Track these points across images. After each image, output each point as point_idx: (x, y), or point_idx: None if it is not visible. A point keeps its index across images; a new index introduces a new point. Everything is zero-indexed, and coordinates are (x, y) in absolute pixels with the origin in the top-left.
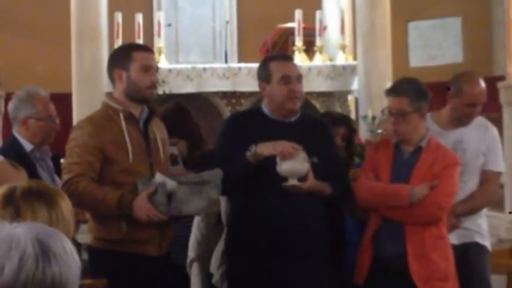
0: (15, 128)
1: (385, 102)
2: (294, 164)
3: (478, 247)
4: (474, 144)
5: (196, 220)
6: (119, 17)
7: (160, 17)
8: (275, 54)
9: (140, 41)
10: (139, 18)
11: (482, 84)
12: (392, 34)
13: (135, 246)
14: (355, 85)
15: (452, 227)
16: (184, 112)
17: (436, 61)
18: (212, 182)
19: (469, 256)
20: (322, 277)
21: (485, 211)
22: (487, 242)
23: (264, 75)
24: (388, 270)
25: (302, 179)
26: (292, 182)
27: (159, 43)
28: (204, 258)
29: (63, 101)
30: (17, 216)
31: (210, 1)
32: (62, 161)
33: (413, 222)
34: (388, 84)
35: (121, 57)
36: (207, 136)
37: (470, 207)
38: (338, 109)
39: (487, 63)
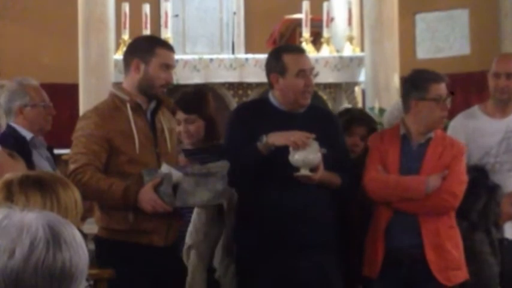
0: (11, 118)
1: (392, 94)
2: (307, 154)
3: None
4: None
5: (196, 209)
6: (126, 7)
7: (167, 7)
8: (288, 45)
9: (147, 31)
10: (146, 8)
11: (510, 57)
12: (399, 26)
13: (141, 237)
14: (362, 77)
15: (509, 217)
16: (205, 95)
17: (443, 53)
18: (218, 173)
19: None
20: (330, 268)
21: None
22: None
23: (278, 68)
24: (401, 262)
25: (313, 169)
26: (305, 172)
27: (166, 34)
28: (200, 247)
29: (69, 92)
30: (9, 201)
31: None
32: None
33: (428, 212)
34: (396, 76)
35: (143, 49)
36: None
37: None
38: (345, 101)
39: (494, 56)
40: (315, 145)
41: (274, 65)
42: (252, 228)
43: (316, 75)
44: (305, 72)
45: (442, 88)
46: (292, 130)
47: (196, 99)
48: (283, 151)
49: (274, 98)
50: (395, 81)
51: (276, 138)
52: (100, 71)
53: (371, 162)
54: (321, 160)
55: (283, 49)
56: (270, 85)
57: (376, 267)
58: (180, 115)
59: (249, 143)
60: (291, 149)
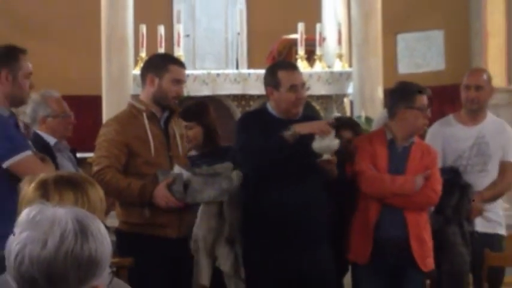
0: (36, 127)
1: (376, 104)
2: (330, 141)
3: (502, 238)
4: (495, 138)
5: (202, 205)
6: (143, 28)
7: (179, 29)
8: (282, 62)
9: (162, 49)
10: (161, 30)
11: (478, 72)
12: (383, 45)
13: (156, 230)
14: (350, 89)
15: (478, 213)
16: (205, 106)
17: (421, 69)
18: (223, 173)
19: (494, 247)
20: (327, 261)
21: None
22: (504, 231)
23: (272, 82)
24: (389, 250)
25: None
26: (327, 156)
27: (178, 52)
28: (206, 239)
29: (94, 103)
30: (45, 198)
31: (223, 15)
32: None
33: (414, 207)
34: (380, 89)
35: (158, 65)
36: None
37: (494, 193)
38: (335, 110)
39: (465, 71)
40: (333, 133)
41: (270, 80)
42: (260, 226)
43: (308, 89)
44: (296, 87)
45: (425, 99)
46: (298, 130)
47: (196, 108)
48: (302, 144)
49: (271, 107)
50: (379, 93)
51: (301, 128)
52: (120, 85)
53: (363, 161)
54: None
55: (278, 66)
56: (267, 96)
57: (366, 256)
58: (182, 122)
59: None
60: (317, 136)
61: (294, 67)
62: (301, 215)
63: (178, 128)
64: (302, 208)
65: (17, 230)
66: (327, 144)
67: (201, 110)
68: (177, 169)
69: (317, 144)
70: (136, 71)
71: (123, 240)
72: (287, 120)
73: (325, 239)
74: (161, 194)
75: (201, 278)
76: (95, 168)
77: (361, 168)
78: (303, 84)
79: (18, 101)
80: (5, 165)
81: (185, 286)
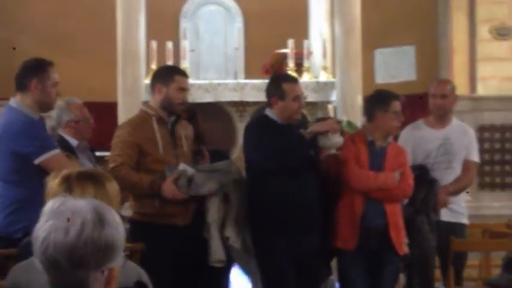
0: (60, 130)
1: (356, 110)
2: (338, 138)
3: (464, 226)
4: (459, 139)
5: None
6: (154, 44)
7: (185, 44)
8: (285, 75)
9: (170, 62)
10: (169, 45)
11: (444, 83)
12: (362, 58)
13: (165, 219)
14: (334, 97)
15: (444, 204)
16: (194, 112)
17: (395, 79)
18: (222, 170)
19: (458, 234)
20: (316, 247)
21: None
22: (466, 220)
23: (278, 93)
24: (372, 237)
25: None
26: (333, 151)
27: (185, 64)
28: (216, 222)
29: (110, 108)
30: (68, 192)
31: (223, 32)
32: (99, 154)
33: (393, 200)
34: (359, 97)
35: (165, 76)
36: (220, 135)
37: (458, 187)
38: (320, 116)
39: (434, 82)
40: (337, 134)
41: (275, 91)
42: (268, 212)
43: (305, 98)
44: (299, 97)
45: (399, 105)
46: (290, 137)
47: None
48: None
49: (273, 114)
50: (359, 100)
51: (317, 127)
52: (134, 93)
53: (350, 159)
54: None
55: (282, 79)
56: (270, 105)
57: (354, 243)
58: (187, 125)
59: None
60: (329, 133)
61: (296, 80)
62: (307, 205)
63: (184, 130)
64: (307, 199)
65: (42, 218)
66: (336, 140)
67: (191, 115)
68: (182, 166)
69: (327, 141)
70: (148, 81)
71: (136, 228)
72: (288, 125)
73: (318, 227)
74: (168, 188)
75: (218, 254)
76: (111, 165)
77: (348, 167)
78: (303, 94)
79: (46, 106)
80: (37, 161)
81: (189, 268)
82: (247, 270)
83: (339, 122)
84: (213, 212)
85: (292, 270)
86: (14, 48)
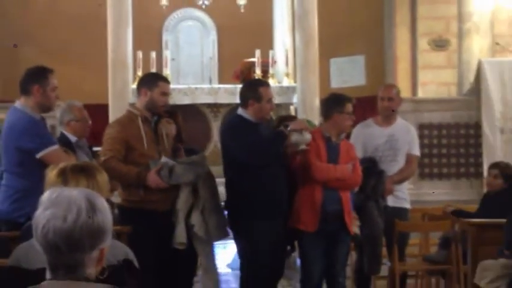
0: (62, 128)
1: (314, 111)
2: (308, 134)
3: (407, 211)
4: (403, 136)
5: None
6: (139, 54)
7: (167, 54)
8: (259, 80)
9: (154, 70)
10: (153, 55)
11: (390, 87)
12: (319, 66)
13: (148, 205)
14: (295, 99)
15: (389, 192)
16: (174, 113)
17: (348, 84)
18: (199, 162)
19: (400, 218)
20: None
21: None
22: (409, 205)
23: (255, 96)
24: (329, 220)
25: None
26: (303, 147)
27: (166, 71)
28: (183, 210)
29: (103, 109)
30: (64, 183)
31: (199, 43)
32: (95, 149)
33: (346, 188)
34: (317, 100)
35: (150, 82)
36: (197, 133)
37: (402, 177)
38: (284, 113)
39: (381, 86)
40: (306, 133)
41: (252, 94)
42: (246, 201)
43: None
44: (271, 99)
45: (351, 106)
46: (262, 133)
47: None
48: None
49: (247, 114)
50: (317, 102)
51: (295, 125)
52: (122, 96)
53: (311, 155)
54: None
55: (258, 83)
56: (245, 106)
57: (314, 225)
58: (168, 124)
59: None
60: (303, 131)
61: (269, 84)
62: (281, 193)
63: (165, 128)
64: (282, 188)
65: (41, 207)
66: (307, 137)
67: (171, 116)
68: (164, 159)
69: (301, 137)
70: (134, 86)
71: (124, 213)
72: (260, 123)
73: (286, 212)
74: (152, 178)
75: (180, 237)
76: (102, 159)
77: (311, 161)
78: (273, 97)
79: (46, 108)
80: (38, 156)
81: (168, 245)
82: (203, 255)
83: (309, 123)
84: (182, 201)
85: (267, 249)
86: (15, 46)
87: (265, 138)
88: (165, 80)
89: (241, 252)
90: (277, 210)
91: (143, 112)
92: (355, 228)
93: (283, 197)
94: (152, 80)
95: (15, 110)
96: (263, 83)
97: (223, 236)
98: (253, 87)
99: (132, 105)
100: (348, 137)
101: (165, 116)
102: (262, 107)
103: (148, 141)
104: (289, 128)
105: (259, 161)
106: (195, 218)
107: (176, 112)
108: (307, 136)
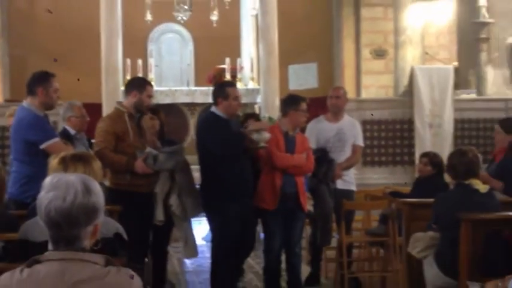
0: (64, 123)
1: (275, 109)
2: (267, 134)
3: (353, 192)
4: (349, 130)
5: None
6: (128, 61)
7: (151, 61)
8: (227, 82)
9: (140, 75)
10: (139, 62)
11: (338, 88)
12: (279, 72)
13: (134, 188)
14: (259, 99)
15: (338, 176)
16: (157, 111)
17: (303, 86)
18: (178, 152)
19: (347, 198)
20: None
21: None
22: (354, 187)
23: (223, 95)
24: (287, 200)
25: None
26: (262, 145)
27: (151, 76)
28: (161, 193)
29: (97, 108)
30: (64, 170)
31: (179, 53)
32: (92, 140)
33: (301, 174)
34: (277, 99)
35: (140, 85)
36: (177, 127)
37: (349, 165)
38: (266, 114)
39: (330, 88)
40: (265, 132)
41: (221, 93)
42: (220, 185)
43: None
44: (238, 97)
45: (305, 105)
46: (232, 128)
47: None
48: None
49: (219, 111)
50: (277, 102)
51: (254, 126)
52: (113, 96)
53: (272, 146)
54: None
55: (226, 84)
56: (216, 104)
57: (274, 204)
58: (149, 120)
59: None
60: (262, 131)
61: (235, 85)
62: (248, 179)
63: (146, 123)
64: (248, 175)
65: (43, 190)
66: (265, 136)
67: (154, 113)
68: (148, 149)
69: (260, 136)
70: (123, 88)
71: (113, 194)
72: (230, 119)
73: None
74: (140, 165)
75: (159, 216)
76: (96, 149)
77: (272, 151)
78: (240, 96)
79: (49, 107)
80: (42, 146)
81: (150, 222)
82: (181, 230)
83: (270, 119)
84: (161, 185)
85: (236, 226)
86: (55, 60)
87: (230, 135)
88: (151, 85)
89: (213, 228)
90: (245, 193)
91: (129, 109)
92: (309, 207)
93: (249, 182)
94: (142, 84)
95: (22, 108)
96: (230, 83)
97: (197, 214)
98: (222, 88)
99: (119, 103)
100: (303, 131)
101: (150, 114)
102: (229, 104)
103: (133, 134)
104: (248, 129)
105: (229, 153)
106: (173, 200)
107: (159, 110)
108: (266, 135)
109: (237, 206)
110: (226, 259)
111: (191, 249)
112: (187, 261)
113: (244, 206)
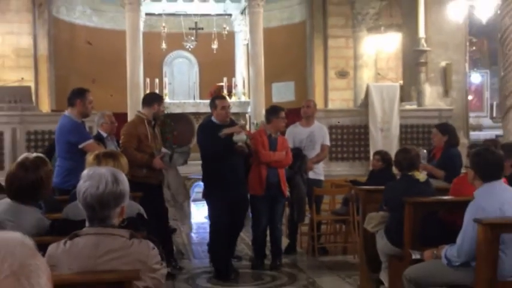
0: (98, 128)
1: (262, 117)
2: (242, 135)
3: (322, 181)
4: (318, 133)
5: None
6: (148, 80)
7: (166, 80)
8: (218, 95)
9: (157, 91)
10: (156, 81)
11: (310, 100)
12: (265, 88)
13: (147, 179)
14: (249, 109)
15: (310, 169)
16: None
17: (283, 99)
18: (186, 152)
19: (317, 186)
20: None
21: (322, 164)
22: (323, 177)
23: (213, 106)
24: (271, 188)
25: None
26: (240, 144)
27: (165, 91)
28: (172, 184)
29: (123, 116)
30: (98, 164)
31: (187, 73)
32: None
33: (282, 167)
34: (263, 110)
35: (160, 99)
36: (185, 131)
37: (318, 160)
38: (242, 120)
39: (304, 100)
40: (243, 131)
41: (212, 104)
42: (218, 178)
43: (230, 108)
44: (225, 107)
45: (284, 113)
46: (225, 132)
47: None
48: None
49: (214, 119)
50: (263, 111)
51: (226, 131)
52: (137, 108)
53: (260, 146)
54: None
55: (216, 97)
56: (211, 113)
57: (261, 191)
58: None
59: (214, 138)
60: (235, 134)
61: (223, 97)
62: (238, 173)
63: (159, 129)
64: (239, 169)
65: (82, 179)
66: (240, 137)
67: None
68: (164, 150)
69: (237, 138)
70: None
71: (134, 184)
72: (222, 125)
73: (245, 183)
74: (158, 162)
75: (180, 198)
76: (122, 148)
77: (258, 150)
78: (228, 106)
79: (85, 115)
80: (80, 146)
81: (161, 207)
82: (180, 214)
83: (257, 124)
84: (173, 176)
85: (229, 213)
86: (93, 81)
87: (216, 139)
88: (163, 99)
89: (210, 212)
90: (235, 184)
91: (148, 117)
92: (287, 192)
93: (240, 175)
94: (161, 99)
95: (64, 116)
96: (219, 97)
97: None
98: (213, 100)
99: (139, 111)
100: (283, 133)
101: (159, 122)
102: (218, 113)
103: (150, 137)
104: (221, 133)
105: (212, 153)
106: (180, 190)
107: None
108: (241, 137)
109: (228, 195)
110: (219, 235)
111: (188, 226)
112: (193, 236)
113: (234, 195)
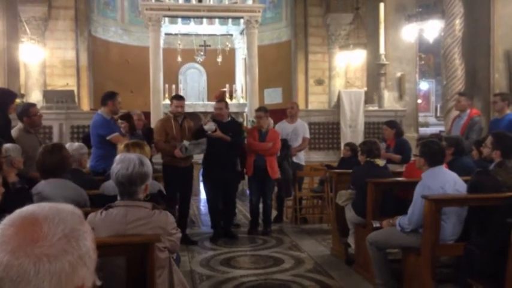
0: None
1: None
2: (211, 125)
3: (303, 166)
4: (300, 128)
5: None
6: (166, 86)
7: (181, 86)
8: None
9: (174, 94)
10: (173, 86)
11: (294, 102)
12: (258, 93)
13: (175, 163)
14: (246, 109)
15: (294, 155)
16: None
17: (273, 102)
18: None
19: (299, 169)
20: (236, 174)
21: (303, 152)
22: (304, 163)
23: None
24: (259, 170)
25: (213, 132)
26: (209, 132)
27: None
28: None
29: (147, 115)
30: (127, 151)
31: (197, 81)
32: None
33: (271, 154)
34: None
35: (176, 98)
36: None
37: (300, 149)
38: (240, 118)
39: (289, 103)
40: (211, 122)
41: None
42: (210, 161)
43: (228, 109)
44: (218, 108)
45: (260, 113)
46: (226, 128)
47: (125, 114)
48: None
49: (215, 117)
50: None
51: (205, 126)
52: (158, 108)
53: (251, 138)
54: (216, 128)
55: (216, 101)
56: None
57: (251, 172)
58: (190, 122)
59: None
60: (204, 124)
61: (220, 101)
62: (220, 157)
63: (188, 123)
64: (222, 154)
65: (115, 163)
66: (209, 127)
67: (123, 118)
68: (185, 142)
69: (207, 127)
70: (165, 102)
71: (163, 167)
72: (221, 121)
73: (235, 165)
74: (176, 152)
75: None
76: (155, 140)
77: (250, 141)
78: (222, 107)
79: (114, 113)
80: (108, 138)
81: (188, 188)
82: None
83: (252, 122)
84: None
85: (218, 189)
86: (132, 92)
87: (199, 129)
88: (181, 98)
89: (205, 189)
90: (218, 166)
91: (175, 114)
92: (278, 174)
93: (222, 160)
94: (178, 97)
95: (97, 114)
96: (217, 100)
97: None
98: (215, 104)
99: (169, 111)
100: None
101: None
102: (215, 112)
103: (176, 131)
104: (204, 127)
105: (196, 138)
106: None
107: (131, 115)
108: (212, 126)
109: (213, 176)
110: (211, 206)
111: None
112: (202, 208)
113: (219, 176)
